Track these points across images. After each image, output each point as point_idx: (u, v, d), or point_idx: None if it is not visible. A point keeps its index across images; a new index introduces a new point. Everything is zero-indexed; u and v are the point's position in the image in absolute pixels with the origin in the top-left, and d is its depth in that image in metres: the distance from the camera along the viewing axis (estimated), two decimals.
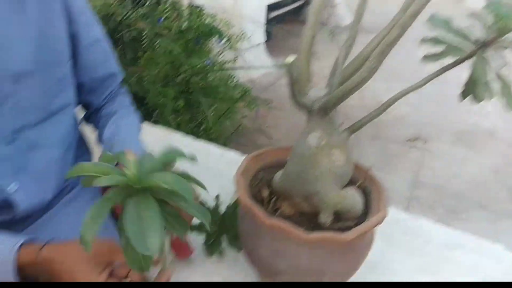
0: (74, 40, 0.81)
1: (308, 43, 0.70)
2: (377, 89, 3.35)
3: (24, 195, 0.76)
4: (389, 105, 0.68)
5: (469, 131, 2.94)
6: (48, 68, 0.75)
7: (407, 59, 3.96)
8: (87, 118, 0.96)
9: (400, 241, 1.06)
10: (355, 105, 3.19)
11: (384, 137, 2.84)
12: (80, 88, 0.86)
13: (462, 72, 0.67)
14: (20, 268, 0.61)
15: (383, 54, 0.59)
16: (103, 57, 0.89)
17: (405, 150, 2.71)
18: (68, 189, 0.89)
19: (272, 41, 4.17)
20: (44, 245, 0.62)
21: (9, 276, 0.61)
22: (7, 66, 0.69)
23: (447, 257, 1.01)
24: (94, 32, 0.86)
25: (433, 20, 0.59)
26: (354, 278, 0.93)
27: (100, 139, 0.89)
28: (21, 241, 0.62)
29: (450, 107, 3.27)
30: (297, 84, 0.66)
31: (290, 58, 0.62)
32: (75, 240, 0.62)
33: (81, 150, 0.93)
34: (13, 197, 0.74)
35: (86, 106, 0.93)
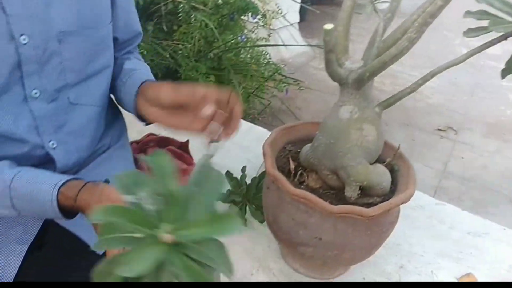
0: (112, 2, 0.82)
1: (347, 12, 0.68)
2: (411, 76, 3.28)
3: (62, 152, 0.79)
4: (426, 81, 0.67)
5: (503, 123, 2.85)
6: (90, 30, 0.76)
7: (443, 48, 3.86)
8: None
9: (424, 225, 1.05)
10: (388, 92, 3.13)
11: (414, 124, 2.78)
12: None
13: (499, 63, 0.64)
14: (61, 207, 0.66)
15: (425, 25, 0.57)
16: (133, 18, 0.91)
17: (435, 139, 2.65)
18: (102, 149, 0.91)
19: (305, 23, 4.11)
20: (81, 188, 0.65)
21: (55, 213, 0.65)
22: (52, 26, 0.70)
23: (471, 244, 1.00)
24: None
25: None
26: (374, 258, 0.93)
27: (116, 77, 0.89)
28: (60, 184, 0.66)
29: (485, 99, 3.18)
30: (333, 53, 0.65)
31: (328, 26, 0.61)
32: (108, 187, 0.65)
33: (115, 110, 0.95)
34: (52, 154, 0.77)
35: None
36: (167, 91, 0.72)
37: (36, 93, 0.72)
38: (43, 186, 0.65)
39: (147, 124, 0.85)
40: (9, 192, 0.65)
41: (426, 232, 1.02)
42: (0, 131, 0.69)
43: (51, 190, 0.64)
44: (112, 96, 0.94)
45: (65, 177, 0.67)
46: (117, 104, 0.96)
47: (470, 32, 0.61)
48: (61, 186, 0.65)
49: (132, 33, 0.92)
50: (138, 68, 0.88)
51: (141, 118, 0.82)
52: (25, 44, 0.67)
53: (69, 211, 0.66)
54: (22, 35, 0.67)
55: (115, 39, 0.88)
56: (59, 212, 0.65)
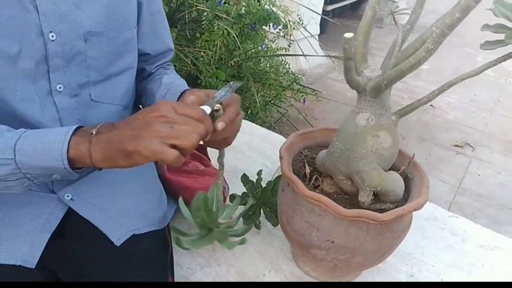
0: (138, 8, 0.87)
1: (368, 22, 0.71)
2: (429, 92, 3.27)
3: None
4: (442, 91, 0.69)
5: None
6: (116, 32, 0.80)
7: (465, 64, 3.84)
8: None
9: (436, 236, 1.05)
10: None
11: (432, 139, 2.77)
12: (141, 56, 0.92)
13: None
14: (71, 157, 0.62)
15: (443, 36, 0.59)
16: (162, 30, 0.94)
17: (451, 155, 2.64)
18: None
19: (325, 35, 4.14)
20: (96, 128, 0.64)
21: (62, 159, 0.61)
22: (80, 26, 0.75)
23: (483, 257, 1.00)
24: (155, 5, 0.91)
25: (500, 3, 0.59)
26: (385, 265, 0.94)
27: (155, 92, 0.91)
28: (73, 128, 0.64)
29: (504, 117, 3.15)
30: (352, 61, 0.68)
31: (349, 35, 0.64)
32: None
33: (137, 110, 0.98)
34: None
35: (137, 72, 0.97)
36: (187, 98, 0.69)
37: (60, 87, 0.76)
38: (54, 131, 0.64)
39: None
40: (14, 146, 0.62)
41: (438, 243, 1.03)
42: (29, 119, 0.73)
43: (64, 132, 0.63)
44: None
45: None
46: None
47: (487, 45, 0.63)
48: (75, 129, 0.64)
49: (162, 46, 0.95)
50: (177, 83, 0.90)
51: None
52: (53, 40, 0.72)
53: (78, 161, 0.62)
54: (50, 32, 0.71)
55: (147, 55, 0.92)
56: (66, 158, 0.61)
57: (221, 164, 0.77)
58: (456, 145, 2.72)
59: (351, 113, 0.78)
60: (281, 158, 0.84)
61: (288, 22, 2.25)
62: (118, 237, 0.80)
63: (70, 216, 0.81)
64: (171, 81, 0.90)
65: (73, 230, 0.81)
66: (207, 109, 0.64)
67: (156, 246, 0.83)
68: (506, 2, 0.59)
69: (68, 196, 0.82)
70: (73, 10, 0.73)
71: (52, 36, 0.71)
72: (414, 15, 0.75)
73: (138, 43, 0.89)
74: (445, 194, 2.26)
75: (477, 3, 0.56)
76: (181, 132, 0.58)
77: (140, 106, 1.00)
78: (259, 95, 2.27)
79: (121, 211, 0.83)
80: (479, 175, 2.45)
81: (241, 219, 1.03)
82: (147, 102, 0.94)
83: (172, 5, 2.26)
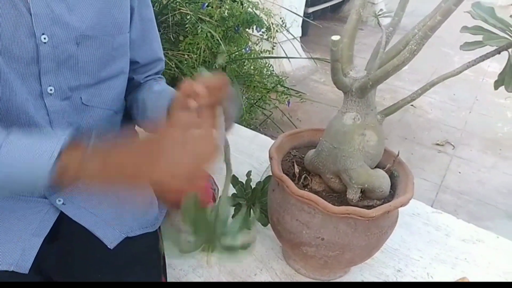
0: (130, 14, 0.87)
1: (353, 25, 0.73)
2: (411, 92, 3.34)
3: None
4: (425, 90, 0.71)
5: (499, 140, 2.91)
6: (108, 36, 0.81)
7: (443, 64, 3.93)
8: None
9: (421, 231, 1.09)
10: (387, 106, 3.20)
11: (413, 139, 2.83)
12: (131, 65, 0.92)
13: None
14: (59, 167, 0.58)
15: (425, 37, 0.62)
16: (152, 39, 0.95)
17: (433, 153, 2.70)
18: None
19: (307, 37, 4.18)
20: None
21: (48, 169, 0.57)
22: (73, 29, 0.75)
23: (466, 250, 1.03)
24: (146, 12, 0.91)
25: (478, 7, 0.62)
26: (373, 261, 0.97)
27: (146, 99, 0.91)
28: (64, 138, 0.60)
29: (483, 115, 3.24)
30: (338, 62, 0.70)
31: (336, 37, 0.66)
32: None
33: (128, 115, 0.99)
34: None
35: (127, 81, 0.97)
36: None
37: (51, 90, 0.76)
38: (44, 141, 0.60)
39: None
40: None
41: (422, 238, 1.06)
42: (22, 117, 0.73)
43: (55, 142, 0.59)
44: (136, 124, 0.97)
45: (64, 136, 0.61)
46: (138, 126, 0.98)
47: (467, 46, 0.66)
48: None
49: (151, 54, 0.95)
50: (169, 89, 0.90)
51: None
52: (45, 43, 0.72)
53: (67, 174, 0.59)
54: (43, 34, 0.71)
55: (136, 63, 0.93)
56: (53, 166, 0.57)
57: (228, 165, 0.73)
58: (437, 144, 2.78)
59: (338, 112, 0.80)
60: (271, 158, 0.86)
61: (271, 24, 2.27)
62: (111, 240, 0.80)
63: (63, 220, 0.81)
64: (164, 88, 0.91)
65: (66, 234, 0.81)
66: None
67: (149, 248, 0.84)
68: (484, 5, 0.62)
69: (59, 200, 0.82)
70: (66, 13, 0.74)
71: (44, 39, 0.72)
72: (396, 18, 0.78)
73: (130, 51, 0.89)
74: (427, 192, 2.31)
75: (456, 6, 0.59)
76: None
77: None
78: (244, 97, 2.30)
79: (114, 214, 0.83)
80: (460, 172, 2.51)
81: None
82: (138, 112, 0.93)
83: (155, 8, 2.26)
